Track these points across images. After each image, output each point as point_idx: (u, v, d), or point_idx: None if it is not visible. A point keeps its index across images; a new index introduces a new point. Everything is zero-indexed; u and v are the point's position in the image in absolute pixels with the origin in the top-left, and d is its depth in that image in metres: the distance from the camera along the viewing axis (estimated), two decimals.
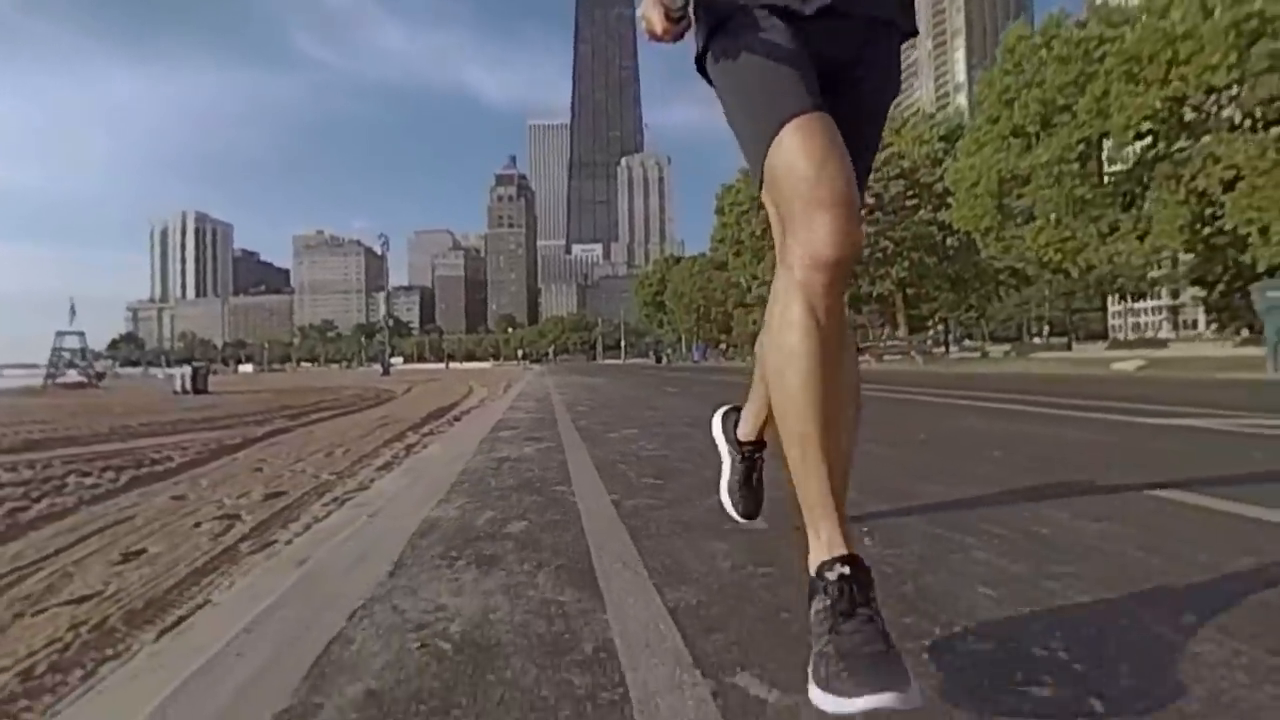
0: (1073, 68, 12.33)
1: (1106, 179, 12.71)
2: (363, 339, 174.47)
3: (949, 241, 24.69)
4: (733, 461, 1.46)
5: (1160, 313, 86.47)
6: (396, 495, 2.53)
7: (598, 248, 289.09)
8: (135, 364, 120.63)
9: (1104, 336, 57.88)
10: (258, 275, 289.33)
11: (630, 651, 0.98)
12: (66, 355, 30.41)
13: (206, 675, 1.00)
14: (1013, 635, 0.99)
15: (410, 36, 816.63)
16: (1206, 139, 11.30)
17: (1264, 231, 10.22)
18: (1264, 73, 9.97)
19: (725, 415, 1.53)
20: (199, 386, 17.74)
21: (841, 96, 1.02)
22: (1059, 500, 1.87)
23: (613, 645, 1.01)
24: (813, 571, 0.85)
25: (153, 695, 0.95)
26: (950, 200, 18.45)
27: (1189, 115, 11.84)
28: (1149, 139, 12.97)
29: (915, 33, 1.08)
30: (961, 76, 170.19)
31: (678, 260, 64.99)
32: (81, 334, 35.08)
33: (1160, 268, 17.47)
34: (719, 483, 1.50)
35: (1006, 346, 38.06)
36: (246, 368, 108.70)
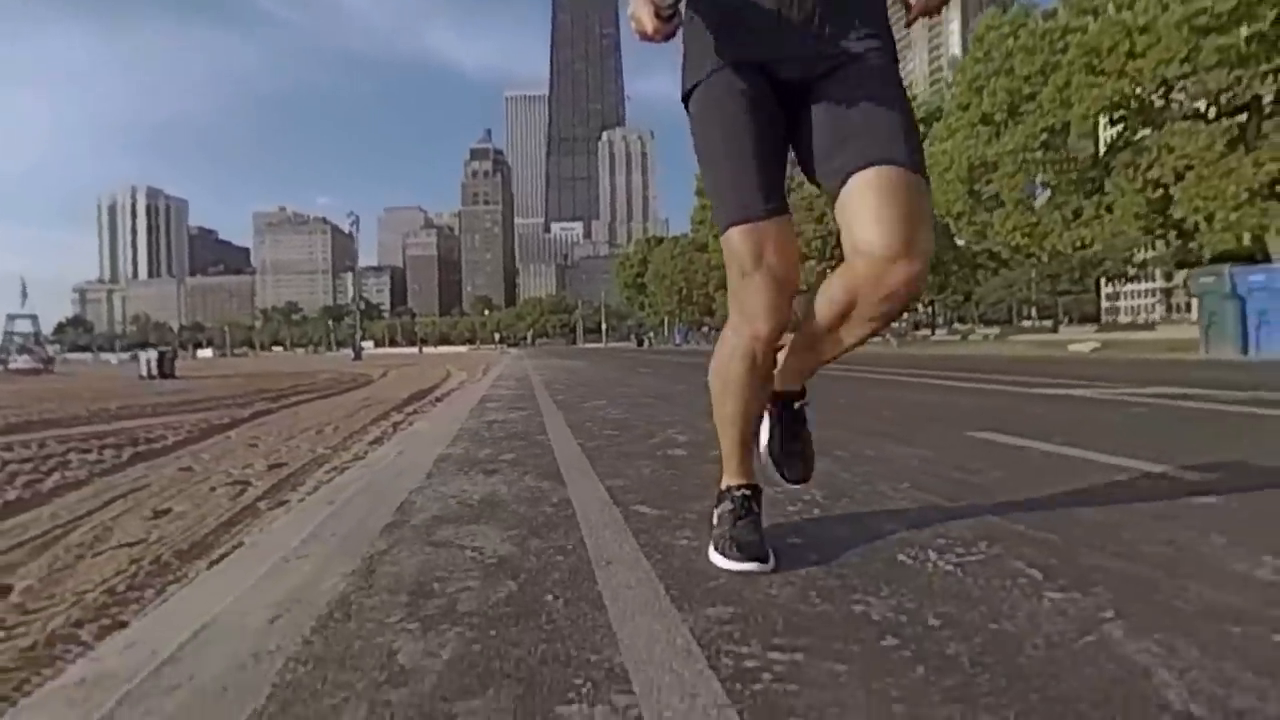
0: (1038, 58, 13.25)
1: (1068, 166, 13.67)
2: (330, 323, 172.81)
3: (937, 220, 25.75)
4: (769, 420, 1.40)
5: (1154, 295, 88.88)
6: (411, 446, 3.28)
7: (578, 226, 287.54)
8: (84, 349, 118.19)
9: (1097, 319, 59.76)
10: (215, 254, 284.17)
11: (581, 505, 1.75)
12: (19, 340, 30.33)
13: (307, 545, 1.73)
14: (831, 519, 1.74)
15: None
16: (1163, 130, 12.32)
17: (1209, 219, 11.31)
18: (1214, 67, 10.94)
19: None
20: (166, 371, 17.97)
21: (831, 79, 1.12)
22: (903, 440, 2.68)
23: (569, 502, 1.78)
24: (723, 487, 1.33)
25: (252, 573, 1.69)
26: None
27: (1158, 104, 12.79)
28: (1121, 125, 13.98)
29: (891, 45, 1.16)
30: (956, 50, 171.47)
31: (660, 241, 65.76)
32: (34, 317, 34.87)
33: (1154, 249, 18.46)
34: (758, 448, 1.39)
35: (995, 329, 39.63)
36: (205, 353, 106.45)
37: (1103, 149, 14.43)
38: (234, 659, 0.95)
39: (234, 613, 1.14)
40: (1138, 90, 11.95)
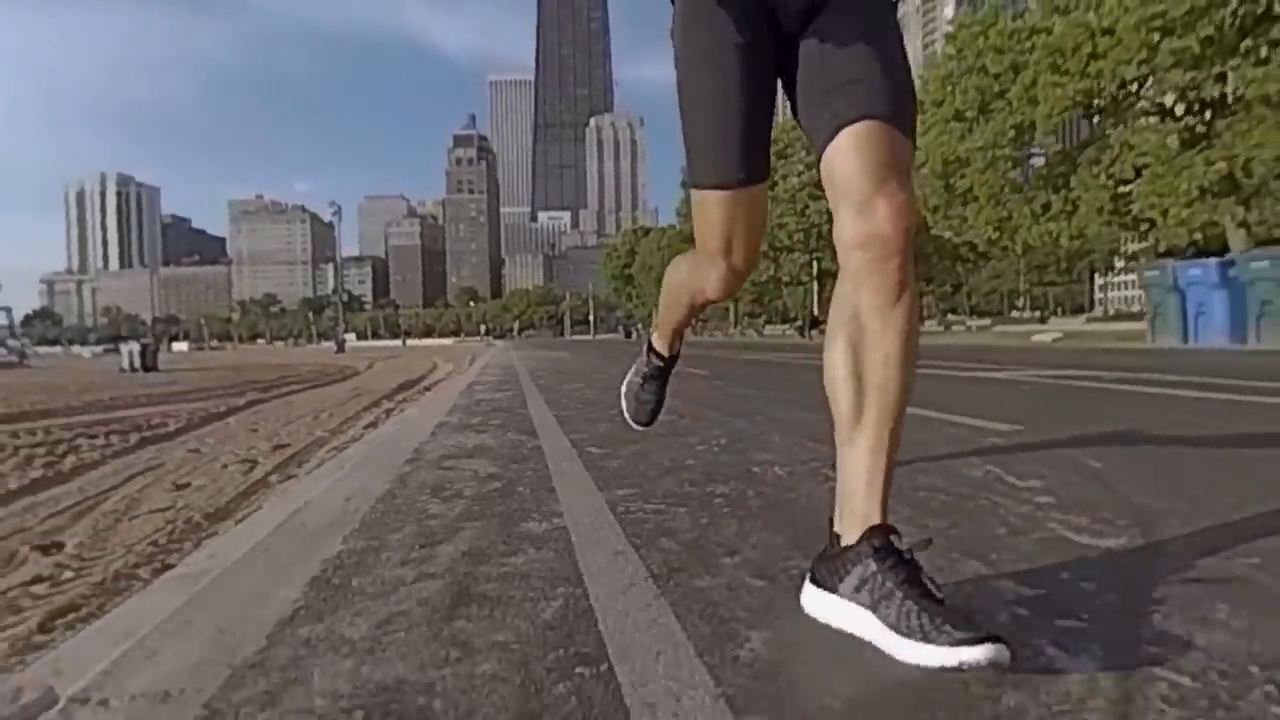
0: (1007, 57, 14.03)
1: (1032, 164, 14.52)
2: (310, 315, 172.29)
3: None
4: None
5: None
6: (411, 418, 3.97)
7: (565, 215, 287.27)
8: (54, 343, 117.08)
9: (1090, 310, 61.19)
10: (190, 244, 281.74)
11: (548, 447, 2.46)
12: (3, 333, 30.48)
13: (332, 491, 2.43)
14: (722, 451, 2.45)
15: None
16: (1125, 128, 13.15)
17: (1164, 214, 12.17)
18: (1171, 68, 11.75)
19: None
20: (149, 364, 18.12)
21: (828, 11, 1.03)
22: (809, 408, 3.38)
23: (541, 451, 2.47)
24: (651, 345, 1.65)
25: (321, 484, 2.39)
26: None
27: (1122, 102, 13.61)
28: (1096, 119, 14.81)
29: None
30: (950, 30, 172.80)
31: (647, 232, 66.45)
32: (8, 310, 34.96)
33: (1145, 240, 19.27)
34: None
35: (986, 321, 40.80)
36: (180, 346, 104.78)
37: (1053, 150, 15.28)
38: (328, 516, 1.64)
39: (320, 501, 1.83)
40: (1100, 89, 12.76)
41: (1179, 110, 13.20)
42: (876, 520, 0.87)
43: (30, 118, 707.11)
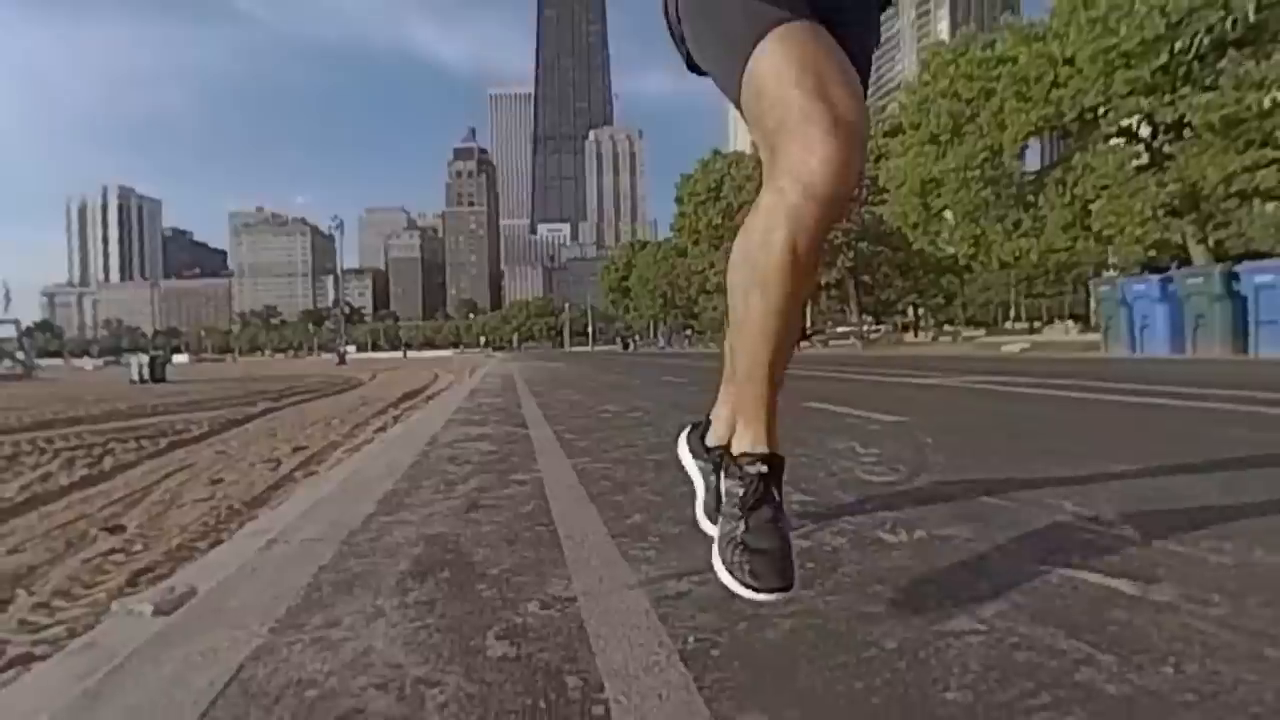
0: (976, 84, 14.92)
1: (1003, 184, 15.39)
2: (310, 327, 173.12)
3: (899, 229, 27.69)
4: (705, 479, 1.21)
5: None
6: (423, 418, 4.69)
7: (565, 228, 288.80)
8: (55, 355, 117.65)
9: (1086, 319, 61.97)
10: (191, 257, 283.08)
11: (537, 439, 3.17)
12: (9, 345, 31.17)
13: (374, 462, 3.17)
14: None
15: None
16: (1087, 151, 14.03)
17: (1121, 232, 13.02)
18: (1127, 96, 12.60)
19: (689, 435, 1.32)
20: (158, 375, 18.71)
21: None
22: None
23: (530, 437, 3.20)
24: (735, 451, 0.97)
25: (366, 458, 3.12)
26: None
27: (1083, 126, 14.46)
28: (1070, 139, 15.66)
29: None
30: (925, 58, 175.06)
31: (644, 245, 67.51)
32: (17, 322, 35.69)
33: (1114, 255, 20.14)
34: (694, 507, 1.24)
35: (981, 331, 41.71)
36: (181, 358, 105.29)
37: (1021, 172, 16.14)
38: (377, 473, 2.37)
39: (367, 468, 2.56)
40: (1061, 115, 13.64)
41: (1144, 132, 14.04)
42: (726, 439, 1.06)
43: (32, 131, 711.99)
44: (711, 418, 1.27)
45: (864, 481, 1.95)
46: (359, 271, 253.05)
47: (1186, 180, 12.09)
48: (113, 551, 2.48)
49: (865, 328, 27.74)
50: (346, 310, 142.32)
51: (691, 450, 1.31)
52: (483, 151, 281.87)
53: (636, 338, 69.90)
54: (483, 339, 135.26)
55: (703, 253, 35.98)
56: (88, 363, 75.19)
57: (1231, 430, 2.75)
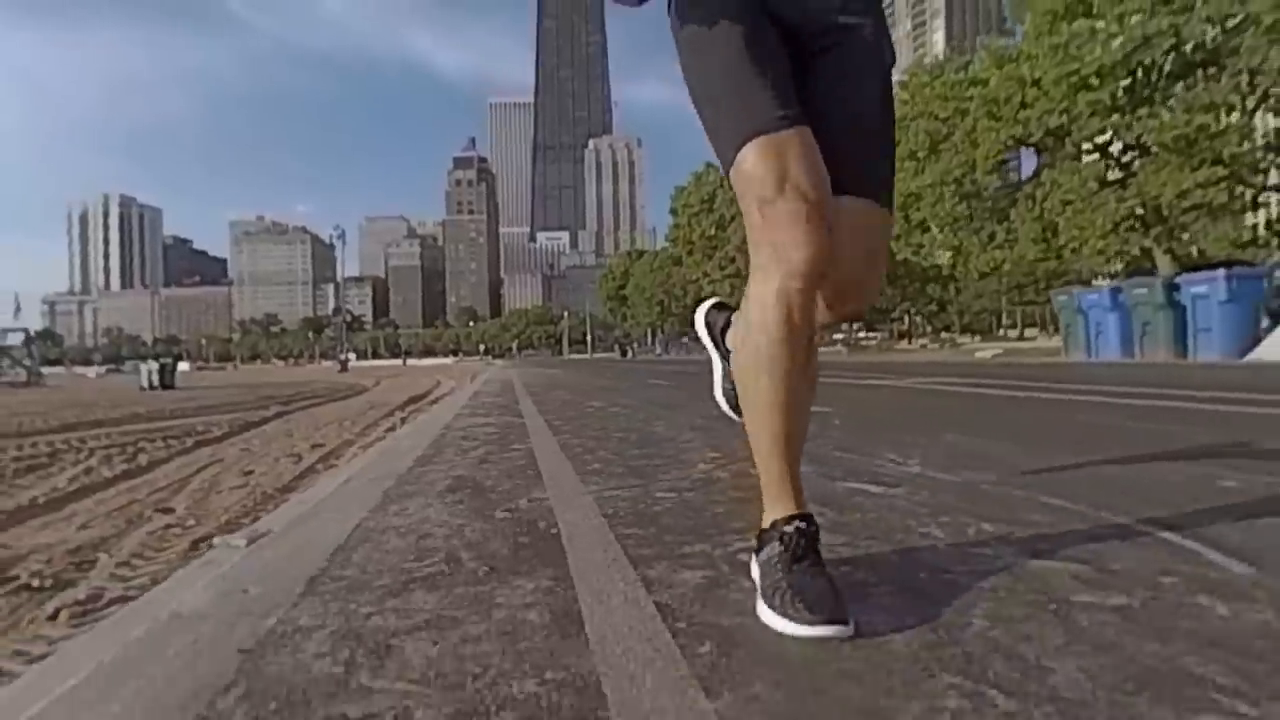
0: (950, 104, 15.78)
1: (978, 199, 16.23)
2: (310, 334, 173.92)
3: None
4: (724, 367, 1.42)
5: None
6: (434, 415, 5.42)
7: (564, 236, 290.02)
8: (56, 362, 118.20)
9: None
10: (191, 265, 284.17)
11: (531, 425, 3.92)
12: (19, 353, 31.72)
13: (400, 442, 3.90)
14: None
15: (354, 1, 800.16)
16: (1055, 168, 14.89)
17: (1084, 245, 13.84)
18: (1090, 117, 13.44)
19: (709, 313, 1.48)
20: (167, 382, 19.23)
21: (825, 55, 1.04)
22: (689, 406, 4.84)
23: (525, 425, 3.94)
24: (766, 524, 1.02)
25: (392, 441, 3.86)
26: None
27: (1057, 145, 15.31)
28: (1044, 155, 16.50)
29: None
30: (941, 58, 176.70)
31: (641, 254, 68.50)
32: (27, 330, 36.36)
33: (1117, 262, 20.81)
34: (711, 385, 1.46)
35: (977, 337, 42.74)
36: (182, 366, 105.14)
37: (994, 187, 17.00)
38: (407, 447, 3.10)
39: (394, 446, 3.29)
40: (1029, 134, 14.48)
41: (1116, 148, 14.88)
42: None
43: (34, 138, 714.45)
44: (735, 319, 1.32)
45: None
46: (359, 279, 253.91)
47: (1147, 196, 12.92)
48: (169, 526, 2.87)
49: (858, 334, 28.56)
50: (349, 319, 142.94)
51: (710, 333, 1.47)
52: (482, 160, 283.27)
53: (635, 345, 70.72)
54: (482, 347, 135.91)
55: (697, 262, 37.16)
56: (90, 370, 75.81)
57: (1079, 415, 3.48)
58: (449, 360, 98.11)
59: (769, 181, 0.95)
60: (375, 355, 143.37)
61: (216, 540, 1.82)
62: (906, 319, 43.10)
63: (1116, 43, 12.34)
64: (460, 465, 2.45)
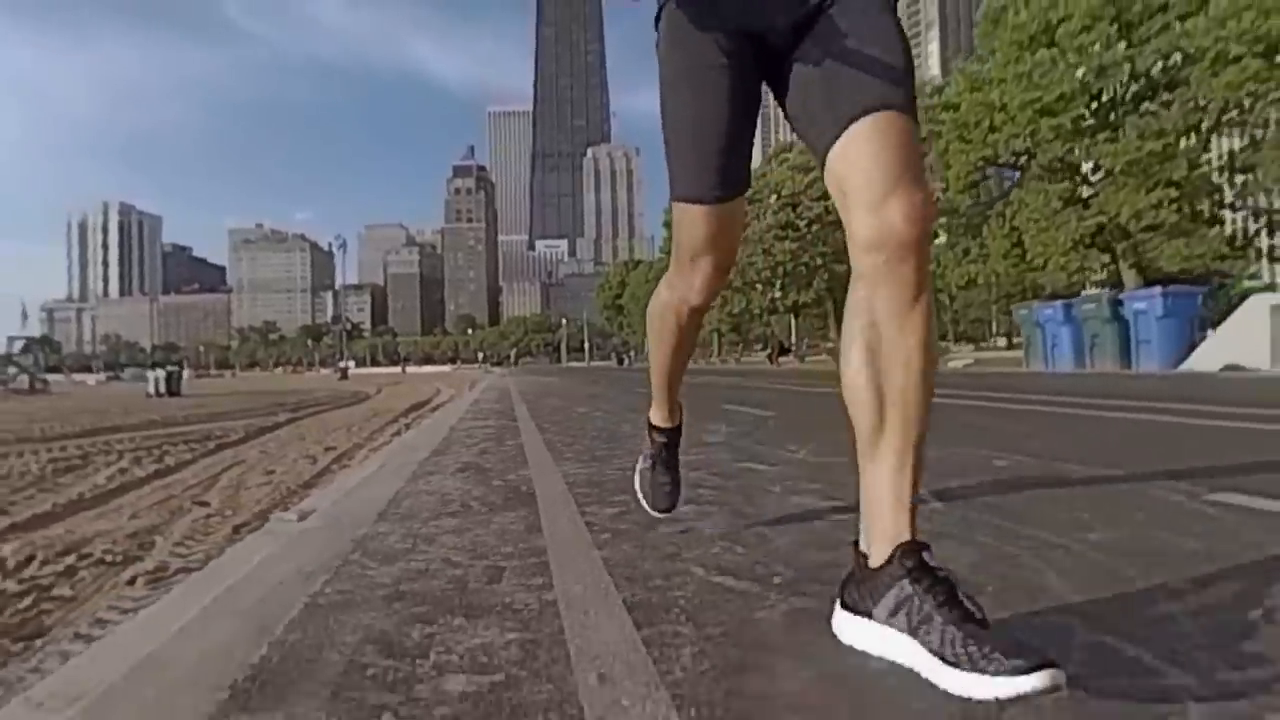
0: (925, 127, 16.62)
1: (952, 217, 17.10)
2: (309, 342, 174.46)
3: None
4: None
5: None
6: (438, 420, 6.19)
7: (562, 244, 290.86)
8: (54, 370, 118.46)
9: None
10: (190, 272, 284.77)
11: (523, 426, 4.70)
12: (28, 360, 32.30)
13: (414, 439, 4.69)
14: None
15: (353, 10, 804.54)
16: (1023, 187, 15.81)
17: (1047, 261, 14.71)
18: (1052, 140, 14.31)
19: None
20: (173, 389, 19.89)
21: (820, 21, 1.00)
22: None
23: (518, 428, 4.72)
24: (651, 421, 1.61)
25: (410, 438, 4.65)
26: None
27: (1025, 165, 16.21)
28: (1019, 173, 17.38)
29: None
30: (935, 70, 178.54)
31: (637, 264, 69.46)
32: (28, 338, 36.92)
33: (1102, 272, 21.57)
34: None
35: (969, 345, 43.61)
36: (159, 374, 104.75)
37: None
38: (420, 444, 3.88)
39: (410, 440, 4.07)
40: (997, 156, 15.36)
41: (1082, 169, 15.75)
42: (907, 537, 0.82)
43: (33, 146, 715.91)
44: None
45: (704, 442, 3.45)
46: (358, 287, 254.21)
47: (1107, 215, 13.78)
48: (209, 516, 3.17)
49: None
50: (349, 326, 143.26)
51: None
52: (481, 169, 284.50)
53: (632, 353, 71.48)
54: (481, 354, 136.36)
55: None
56: (89, 378, 76.28)
57: (965, 417, 4.26)
58: (447, 368, 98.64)
59: (697, 242, 1.19)
60: (374, 363, 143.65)
61: (273, 516, 2.40)
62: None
63: (1077, 72, 13.21)
64: (465, 455, 3.22)
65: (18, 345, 35.26)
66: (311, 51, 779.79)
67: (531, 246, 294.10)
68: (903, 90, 0.94)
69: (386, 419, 8.94)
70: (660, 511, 1.60)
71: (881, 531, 0.85)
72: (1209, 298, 9.39)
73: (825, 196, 32.28)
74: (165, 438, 6.71)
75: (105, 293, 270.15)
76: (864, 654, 0.84)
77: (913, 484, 0.87)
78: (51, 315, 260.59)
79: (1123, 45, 12.74)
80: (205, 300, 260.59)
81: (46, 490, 4.07)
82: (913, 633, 0.76)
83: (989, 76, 16.14)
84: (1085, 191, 14.94)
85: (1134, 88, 13.71)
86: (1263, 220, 14.72)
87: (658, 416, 1.58)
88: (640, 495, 1.63)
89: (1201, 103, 12.51)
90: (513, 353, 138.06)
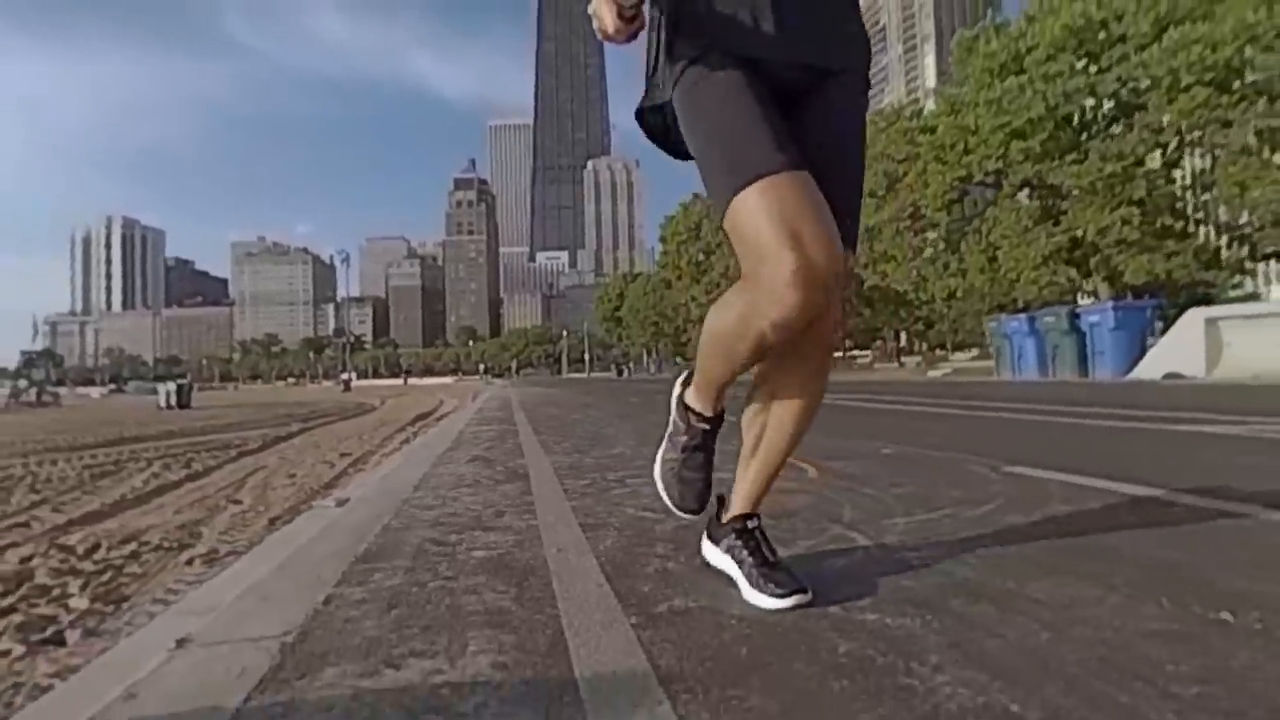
0: (905, 147, 17.52)
1: (932, 232, 17.96)
2: (311, 354, 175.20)
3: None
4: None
5: None
6: (445, 428, 6.92)
7: (563, 255, 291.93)
8: (58, 383, 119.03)
9: None
10: (193, 285, 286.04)
11: (520, 430, 5.45)
12: (40, 374, 32.94)
13: (429, 440, 5.44)
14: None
15: (355, 25, 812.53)
16: (998, 205, 16.65)
17: (1020, 275, 15.50)
18: (1022, 162, 15.15)
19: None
20: (183, 402, 20.49)
21: (810, 105, 1.10)
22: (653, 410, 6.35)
23: (518, 432, 5.47)
24: (688, 402, 1.34)
25: (415, 445, 5.41)
26: None
27: (998, 185, 17.05)
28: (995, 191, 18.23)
29: (866, 66, 1.15)
30: (931, 82, 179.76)
31: (635, 277, 70.46)
32: (48, 352, 37.62)
33: (1070, 285, 22.33)
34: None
35: (969, 353, 44.60)
36: (170, 387, 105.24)
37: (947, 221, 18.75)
38: (437, 443, 4.63)
39: (427, 442, 4.82)
40: (971, 177, 16.21)
41: (1049, 186, 16.56)
42: (743, 510, 1.26)
43: (37, 161, 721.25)
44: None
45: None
46: (360, 299, 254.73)
47: (1075, 232, 14.60)
48: (244, 512, 3.48)
49: (850, 353, 30.20)
50: (353, 339, 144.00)
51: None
52: (482, 181, 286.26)
53: (631, 365, 72.32)
54: (482, 366, 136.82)
55: (685, 287, 39.34)
56: (93, 391, 76.79)
57: (907, 421, 5.00)
58: (449, 379, 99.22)
59: (766, 228, 0.95)
60: (376, 375, 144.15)
61: (314, 503, 3.10)
62: (896, 337, 44.82)
63: (1044, 98, 14.04)
64: (474, 451, 3.96)
65: (38, 360, 35.73)
66: (314, 66, 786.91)
67: (532, 258, 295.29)
68: (854, 228, 1.13)
69: (394, 428, 9.37)
70: (688, 512, 1.35)
71: (737, 497, 1.30)
72: (1158, 311, 10.13)
73: None
74: (188, 446, 7.08)
75: (108, 306, 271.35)
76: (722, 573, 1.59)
77: (766, 483, 1.28)
78: (54, 328, 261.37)
79: (1084, 75, 13.58)
80: (208, 313, 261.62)
81: (89, 493, 4.36)
82: (736, 563, 1.24)
83: (966, 99, 16.99)
84: (1059, 208, 15.73)
85: (1105, 109, 14.53)
86: (1225, 236, 15.50)
87: (700, 402, 1.30)
88: (662, 490, 1.37)
89: (1160, 127, 13.32)
90: (514, 364, 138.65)
